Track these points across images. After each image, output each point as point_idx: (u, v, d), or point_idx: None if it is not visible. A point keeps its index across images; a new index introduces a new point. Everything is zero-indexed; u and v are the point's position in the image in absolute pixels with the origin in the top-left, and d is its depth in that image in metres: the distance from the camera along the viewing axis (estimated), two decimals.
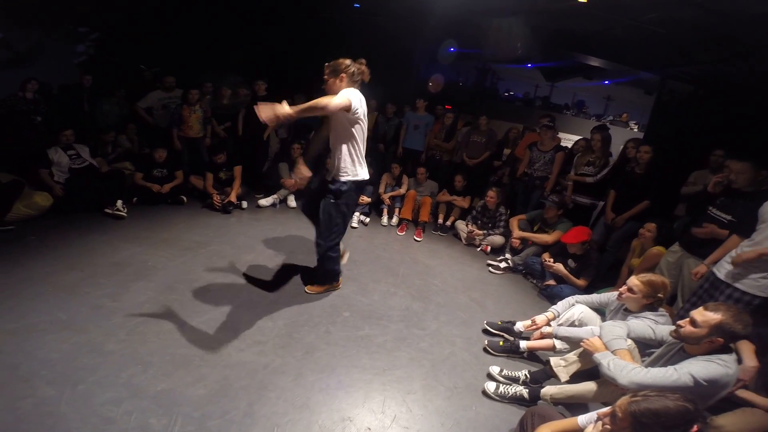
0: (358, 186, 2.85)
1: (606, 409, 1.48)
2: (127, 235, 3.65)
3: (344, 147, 2.73)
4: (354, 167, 2.78)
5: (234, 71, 6.75)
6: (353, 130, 2.67)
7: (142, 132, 5.50)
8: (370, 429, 2.00)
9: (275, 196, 5.07)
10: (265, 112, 2.17)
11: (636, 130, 10.83)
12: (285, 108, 2.20)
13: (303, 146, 5.18)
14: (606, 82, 11.30)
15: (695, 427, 1.42)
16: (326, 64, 2.67)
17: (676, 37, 4.72)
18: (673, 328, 2.02)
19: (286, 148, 5.69)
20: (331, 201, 2.81)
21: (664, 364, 1.93)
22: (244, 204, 4.83)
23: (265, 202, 4.99)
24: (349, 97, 2.47)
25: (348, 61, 2.66)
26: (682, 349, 1.94)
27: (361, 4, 6.52)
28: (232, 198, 4.64)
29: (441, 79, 5.69)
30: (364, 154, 2.82)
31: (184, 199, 4.70)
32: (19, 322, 2.34)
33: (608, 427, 1.42)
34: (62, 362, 2.10)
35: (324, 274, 3.14)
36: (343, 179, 2.76)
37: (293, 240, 4.10)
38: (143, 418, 1.84)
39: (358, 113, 2.57)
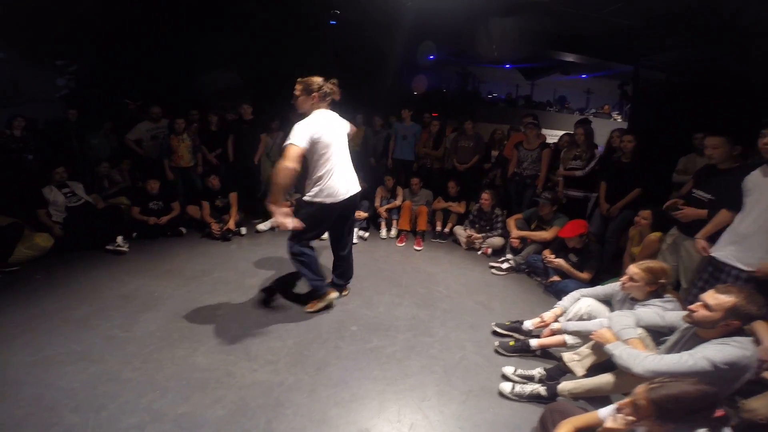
0: (312, 205, 2.90)
1: (625, 400, 1.48)
2: (131, 269, 3.67)
3: (307, 167, 2.85)
4: (309, 187, 2.88)
5: (218, 95, 6.77)
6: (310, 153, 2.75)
7: (134, 164, 5.49)
8: None
9: (273, 219, 5.04)
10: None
11: (620, 120, 11.01)
12: (282, 218, 2.63)
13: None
14: (583, 76, 11.50)
15: (721, 412, 1.42)
16: (299, 79, 2.75)
17: (641, 26, 4.86)
18: (683, 313, 2.00)
19: None
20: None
21: (679, 350, 1.91)
22: (243, 230, 4.84)
23: (263, 226, 5.00)
24: (296, 143, 2.59)
25: (320, 80, 2.74)
26: (695, 334, 1.92)
27: (339, 18, 6.63)
28: (231, 225, 4.64)
29: (424, 80, 5.81)
30: (327, 174, 2.84)
31: (183, 230, 4.71)
32: (37, 355, 2.40)
33: (631, 417, 1.42)
34: (83, 391, 2.13)
35: (311, 290, 3.17)
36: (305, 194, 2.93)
37: None
38: None
39: (318, 141, 2.69)
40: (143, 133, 5.42)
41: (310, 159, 2.79)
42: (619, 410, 1.48)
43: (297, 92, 2.75)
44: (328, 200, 2.87)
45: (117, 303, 3.06)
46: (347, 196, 2.95)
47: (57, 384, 2.17)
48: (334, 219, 3.02)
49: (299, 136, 2.61)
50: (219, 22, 6.73)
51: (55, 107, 5.80)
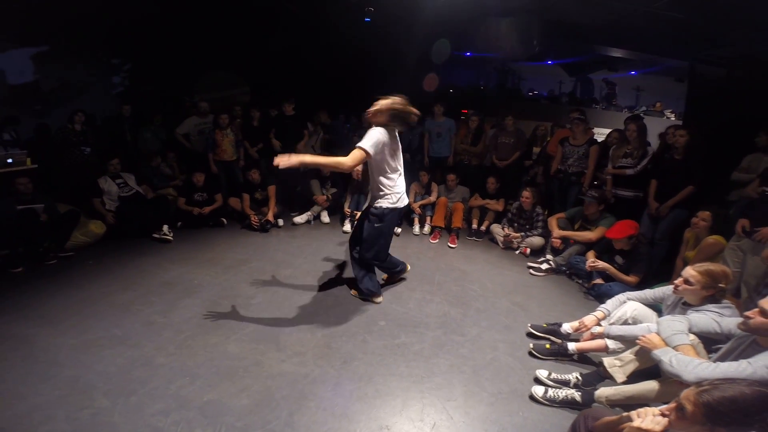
0: (393, 212, 2.97)
1: (669, 405, 1.35)
2: (174, 257, 3.86)
3: (373, 176, 2.91)
4: (386, 196, 2.92)
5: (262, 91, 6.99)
6: (376, 162, 2.81)
7: (181, 158, 5.73)
8: None
9: (309, 213, 5.18)
10: (283, 161, 2.42)
11: (673, 118, 10.34)
12: (301, 158, 2.48)
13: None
14: (633, 72, 10.91)
15: None
16: (378, 97, 2.82)
17: (696, 20, 4.45)
18: (740, 320, 1.85)
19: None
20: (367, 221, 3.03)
21: (735, 359, 1.77)
22: (281, 222, 4.96)
23: (300, 219, 5.11)
24: (364, 151, 2.62)
25: (400, 103, 2.77)
26: (755, 342, 1.78)
27: (373, 17, 6.54)
28: (269, 217, 4.79)
29: (435, 78, 5.67)
30: (401, 179, 2.96)
31: (224, 221, 4.90)
32: (79, 338, 2.55)
33: (673, 419, 1.30)
34: (117, 375, 2.23)
35: (361, 288, 3.22)
36: (375, 205, 2.96)
37: (328, 253, 4.16)
38: (189, 428, 1.90)
39: (383, 151, 2.75)
40: (191, 128, 5.64)
41: (381, 168, 2.85)
42: (662, 416, 1.36)
43: (374, 108, 2.80)
44: (404, 203, 3.02)
45: (159, 289, 3.22)
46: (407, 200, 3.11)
47: (94, 367, 2.29)
48: None
49: (369, 142, 2.66)
50: (262, 22, 6.91)
51: (111, 103, 6.18)
